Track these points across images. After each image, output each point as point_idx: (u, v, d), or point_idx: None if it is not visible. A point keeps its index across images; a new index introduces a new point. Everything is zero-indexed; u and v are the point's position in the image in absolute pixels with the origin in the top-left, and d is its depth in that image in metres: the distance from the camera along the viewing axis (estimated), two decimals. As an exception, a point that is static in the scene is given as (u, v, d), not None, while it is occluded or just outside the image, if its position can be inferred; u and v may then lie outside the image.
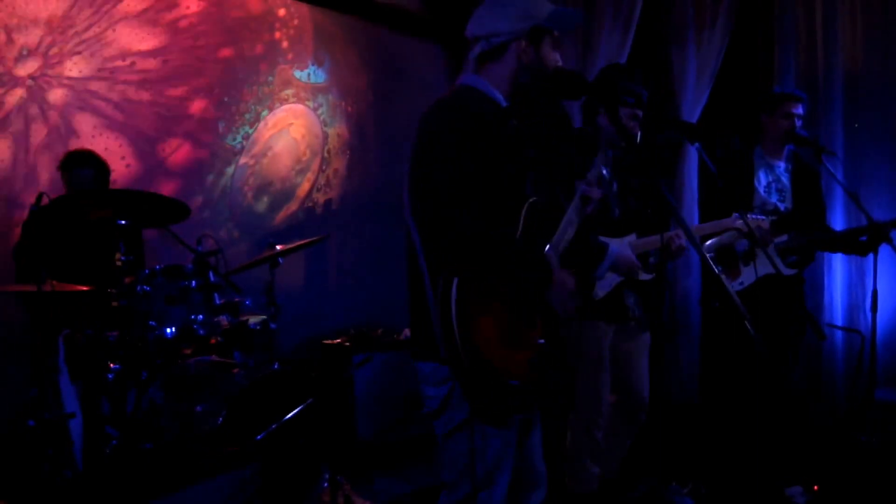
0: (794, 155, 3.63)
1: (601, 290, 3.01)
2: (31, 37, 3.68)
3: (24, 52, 3.67)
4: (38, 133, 3.72)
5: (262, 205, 4.56)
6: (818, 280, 4.39)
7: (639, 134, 2.98)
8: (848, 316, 4.37)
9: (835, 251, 4.06)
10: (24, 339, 3.46)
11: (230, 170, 4.41)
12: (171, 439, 2.91)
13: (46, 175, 3.70)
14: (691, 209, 4.58)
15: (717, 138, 4.23)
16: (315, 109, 4.79)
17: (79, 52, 3.83)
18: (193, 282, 3.13)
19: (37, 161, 3.72)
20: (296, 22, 4.68)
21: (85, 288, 2.98)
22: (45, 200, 2.83)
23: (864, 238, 3.39)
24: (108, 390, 2.92)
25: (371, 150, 5.07)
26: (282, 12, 4.61)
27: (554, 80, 1.99)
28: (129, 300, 3.01)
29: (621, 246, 2.63)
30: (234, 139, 4.42)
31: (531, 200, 1.95)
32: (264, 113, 4.53)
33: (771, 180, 3.59)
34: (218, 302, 3.22)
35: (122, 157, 3.97)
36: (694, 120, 4.64)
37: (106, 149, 3.83)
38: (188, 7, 4.19)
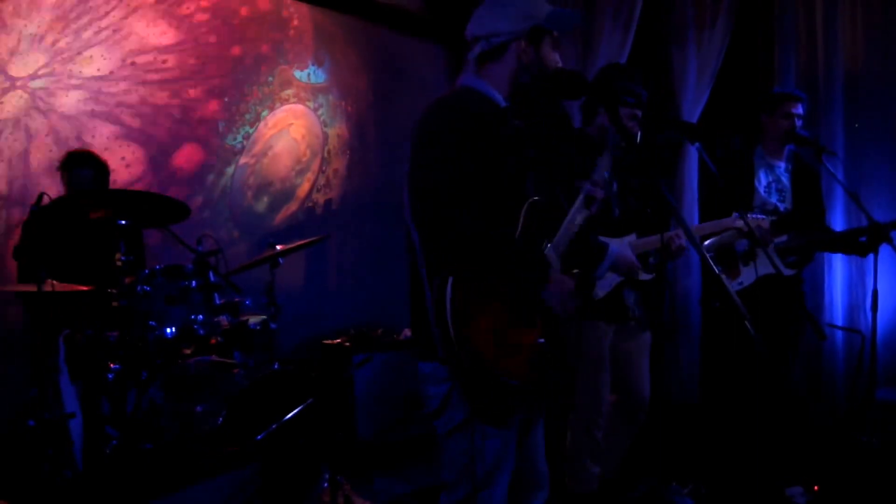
0: (795, 155, 3.63)
1: (601, 290, 3.01)
2: (36, 30, 3.69)
3: (25, 48, 3.67)
4: (39, 132, 3.72)
5: (262, 205, 4.56)
6: (818, 280, 4.39)
7: (639, 134, 2.98)
8: (848, 316, 4.37)
9: (834, 251, 4.06)
10: (24, 339, 3.46)
11: (230, 170, 4.41)
12: (171, 439, 2.91)
13: (47, 175, 3.70)
14: (691, 209, 4.58)
15: (718, 138, 4.23)
16: (315, 110, 4.79)
17: (79, 52, 3.83)
18: (193, 282, 3.13)
19: (37, 161, 3.72)
20: (296, 22, 4.69)
21: (85, 288, 2.98)
22: (46, 200, 2.84)
23: (863, 239, 3.38)
24: (108, 390, 2.92)
25: (371, 150, 5.07)
26: (283, 12, 4.61)
27: (554, 81, 1.99)
28: (129, 300, 3.01)
29: (621, 246, 2.63)
30: (235, 139, 4.42)
31: (531, 200, 1.95)
32: (264, 113, 4.53)
33: (771, 180, 3.58)
34: (218, 302, 3.22)
35: (122, 158, 3.97)
36: (694, 120, 4.64)
37: (106, 149, 3.83)
38: (189, 7, 4.19)
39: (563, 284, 1.91)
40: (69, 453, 2.80)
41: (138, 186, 3.97)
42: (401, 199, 1.90)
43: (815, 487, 3.27)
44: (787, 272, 3.46)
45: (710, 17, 4.69)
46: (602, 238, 2.33)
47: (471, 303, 1.77)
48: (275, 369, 3.17)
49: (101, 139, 3.90)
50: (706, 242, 3.24)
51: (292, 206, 4.70)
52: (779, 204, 3.53)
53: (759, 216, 3.19)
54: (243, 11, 4.41)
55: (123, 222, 3.05)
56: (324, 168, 4.84)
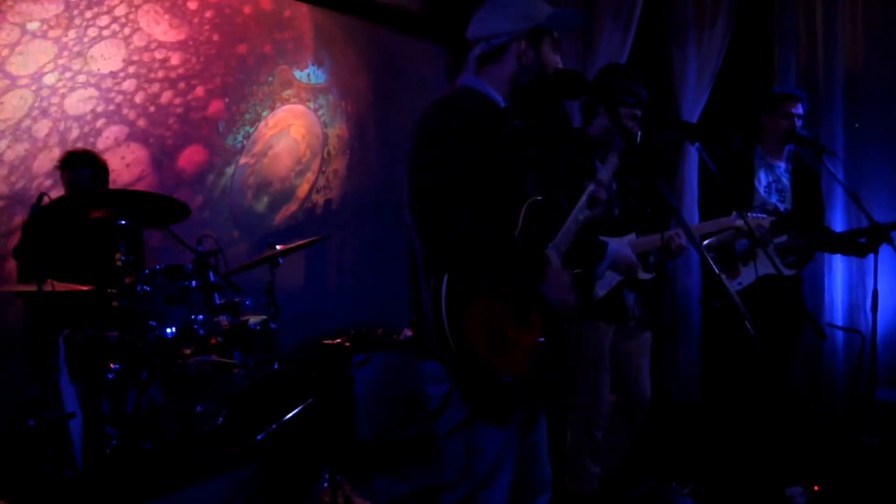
0: (795, 155, 3.63)
1: (601, 290, 3.01)
2: (38, 27, 3.69)
3: (27, 47, 3.67)
4: (41, 130, 3.72)
5: (261, 205, 4.56)
6: (819, 280, 4.39)
7: (639, 134, 2.98)
8: (848, 316, 4.37)
9: (834, 252, 4.06)
10: (24, 339, 3.46)
11: (230, 170, 4.41)
12: (171, 439, 2.91)
13: (48, 175, 3.70)
14: (691, 209, 4.58)
15: (718, 138, 4.23)
16: (315, 110, 4.79)
17: (81, 51, 3.83)
18: (193, 282, 3.13)
19: (39, 161, 3.72)
20: (296, 22, 4.69)
21: (85, 288, 2.98)
22: (46, 200, 2.84)
23: (863, 240, 3.38)
24: (108, 390, 2.92)
25: (371, 150, 5.07)
26: (283, 13, 4.61)
27: (554, 81, 1.99)
28: (129, 300, 3.01)
29: (621, 245, 2.63)
30: (235, 139, 4.42)
31: (531, 200, 1.95)
32: (265, 113, 4.54)
33: (771, 180, 3.58)
34: (218, 302, 3.22)
35: (123, 157, 3.97)
36: (694, 120, 4.64)
37: (107, 148, 3.83)
38: (189, 7, 4.19)
39: (561, 278, 1.91)
40: (69, 453, 2.80)
41: (138, 186, 3.97)
42: (401, 199, 1.90)
43: (816, 487, 3.27)
44: (787, 272, 3.46)
45: (710, 17, 4.69)
46: (602, 237, 2.33)
47: (466, 299, 1.77)
48: (275, 369, 3.17)
49: (103, 138, 3.90)
50: (705, 242, 3.24)
51: (292, 206, 4.70)
52: (779, 204, 3.53)
53: (759, 215, 3.19)
54: (244, 11, 4.41)
55: (123, 222, 3.05)
56: (324, 168, 4.84)
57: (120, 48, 3.95)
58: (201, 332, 3.12)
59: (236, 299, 3.34)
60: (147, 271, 3.08)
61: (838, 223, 4.28)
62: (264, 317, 3.37)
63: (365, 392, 3.94)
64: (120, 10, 3.94)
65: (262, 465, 2.88)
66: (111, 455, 2.80)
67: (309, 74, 4.74)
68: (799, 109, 3.53)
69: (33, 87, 3.69)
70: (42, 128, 3.72)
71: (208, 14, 4.26)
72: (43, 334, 2.91)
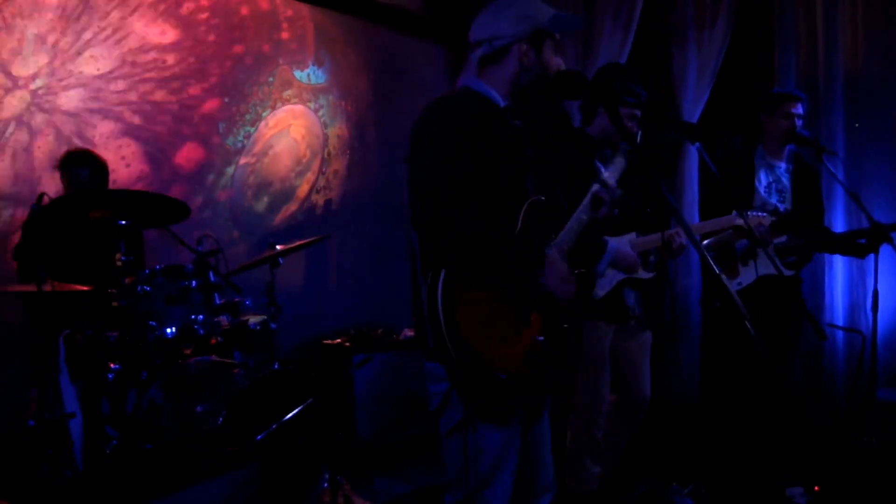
0: (796, 156, 3.63)
1: (601, 290, 3.01)
2: (38, 30, 3.69)
3: (28, 50, 3.67)
4: (41, 132, 3.72)
5: (262, 205, 4.56)
6: (819, 280, 4.39)
7: (639, 134, 2.98)
8: (849, 316, 4.37)
9: (833, 252, 4.06)
10: (24, 339, 3.46)
11: (230, 170, 4.41)
12: (171, 439, 2.91)
13: (48, 175, 3.70)
14: (691, 209, 4.58)
15: (718, 138, 4.23)
16: (316, 110, 4.79)
17: (79, 53, 3.83)
18: (193, 282, 3.13)
19: (38, 161, 3.72)
20: (296, 22, 4.69)
21: (85, 288, 2.98)
22: (46, 200, 2.84)
23: (862, 241, 3.38)
24: (108, 390, 2.92)
25: (371, 151, 5.06)
26: (283, 12, 4.61)
27: (554, 81, 2.00)
28: (129, 300, 3.00)
29: (620, 242, 2.63)
30: (235, 139, 4.42)
31: (531, 200, 1.95)
32: (265, 113, 4.54)
33: (771, 181, 3.58)
34: (218, 302, 3.22)
35: (123, 157, 3.97)
36: (694, 120, 4.64)
37: (107, 148, 3.83)
38: (189, 6, 4.19)
39: (559, 268, 1.91)
40: (69, 453, 2.80)
41: (139, 186, 3.97)
42: (401, 199, 1.90)
43: (816, 488, 3.27)
44: (787, 272, 3.46)
45: (710, 17, 4.69)
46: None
47: (462, 293, 1.77)
48: (275, 369, 3.17)
49: (102, 139, 3.90)
50: (704, 242, 3.24)
51: (292, 206, 4.70)
52: (779, 204, 3.53)
53: (759, 213, 3.19)
54: (243, 11, 4.41)
55: (123, 222, 3.05)
56: (324, 168, 4.84)
57: (118, 49, 3.94)
58: (201, 332, 3.12)
59: (236, 299, 3.34)
60: (147, 271, 3.08)
61: (838, 223, 4.28)
62: (264, 317, 3.37)
63: (365, 392, 3.94)
64: (117, 13, 3.94)
65: (262, 465, 2.88)
66: (111, 455, 2.80)
67: (309, 74, 4.74)
68: (799, 109, 3.53)
69: (33, 88, 3.69)
70: (42, 129, 3.72)
71: (207, 14, 4.26)
72: (43, 334, 2.91)
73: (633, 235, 3.00)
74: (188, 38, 4.19)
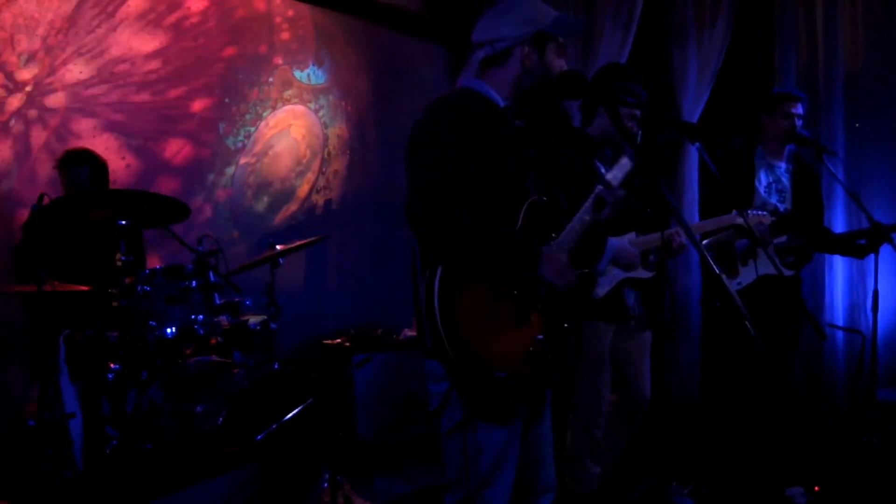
0: (796, 156, 3.63)
1: (601, 289, 3.01)
2: (34, 40, 3.68)
3: (26, 57, 3.67)
4: (40, 135, 3.72)
5: (262, 205, 4.56)
6: (819, 280, 4.39)
7: (638, 134, 2.98)
8: (849, 316, 4.37)
9: (833, 253, 4.05)
10: (24, 339, 3.46)
11: (230, 170, 4.41)
12: (171, 439, 2.91)
13: (47, 176, 3.70)
14: (691, 209, 4.58)
15: (718, 138, 4.23)
16: (316, 110, 4.79)
17: (81, 55, 3.83)
18: (194, 282, 3.13)
19: (38, 162, 3.72)
20: (296, 22, 4.69)
21: (85, 288, 2.98)
22: (46, 200, 2.83)
23: (862, 241, 3.39)
24: (108, 390, 2.92)
25: (371, 150, 5.06)
26: (283, 13, 4.61)
27: (556, 82, 2.00)
28: (129, 300, 3.00)
29: (620, 241, 2.63)
30: (235, 140, 4.42)
31: (531, 199, 1.95)
32: (265, 113, 4.54)
33: (771, 181, 3.58)
34: (218, 302, 3.21)
35: (123, 158, 3.97)
36: (694, 120, 4.64)
37: (107, 148, 3.83)
38: (190, 7, 4.19)
39: (557, 258, 1.91)
40: (69, 453, 2.80)
41: (138, 186, 3.96)
42: (401, 199, 1.90)
43: (816, 488, 3.27)
44: (787, 272, 3.46)
45: (710, 17, 4.69)
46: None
47: (460, 290, 1.77)
48: (275, 369, 3.17)
49: (102, 139, 3.89)
50: (704, 242, 3.23)
51: (292, 207, 4.70)
52: (779, 204, 3.53)
53: (759, 212, 3.19)
54: (243, 11, 4.41)
55: (123, 222, 3.05)
56: (324, 168, 4.84)
57: (116, 52, 3.94)
58: (201, 332, 3.11)
59: (236, 299, 3.34)
60: (147, 271, 3.08)
61: (839, 223, 4.28)
62: (264, 317, 3.37)
63: (365, 392, 3.94)
64: (117, 14, 3.93)
65: (262, 465, 2.88)
66: (111, 455, 2.80)
67: (309, 74, 4.74)
68: (799, 109, 3.53)
69: (32, 92, 3.69)
70: (41, 130, 3.72)
71: (207, 15, 4.26)
72: (43, 334, 2.91)
73: (632, 235, 3.00)
74: (189, 38, 4.19)
